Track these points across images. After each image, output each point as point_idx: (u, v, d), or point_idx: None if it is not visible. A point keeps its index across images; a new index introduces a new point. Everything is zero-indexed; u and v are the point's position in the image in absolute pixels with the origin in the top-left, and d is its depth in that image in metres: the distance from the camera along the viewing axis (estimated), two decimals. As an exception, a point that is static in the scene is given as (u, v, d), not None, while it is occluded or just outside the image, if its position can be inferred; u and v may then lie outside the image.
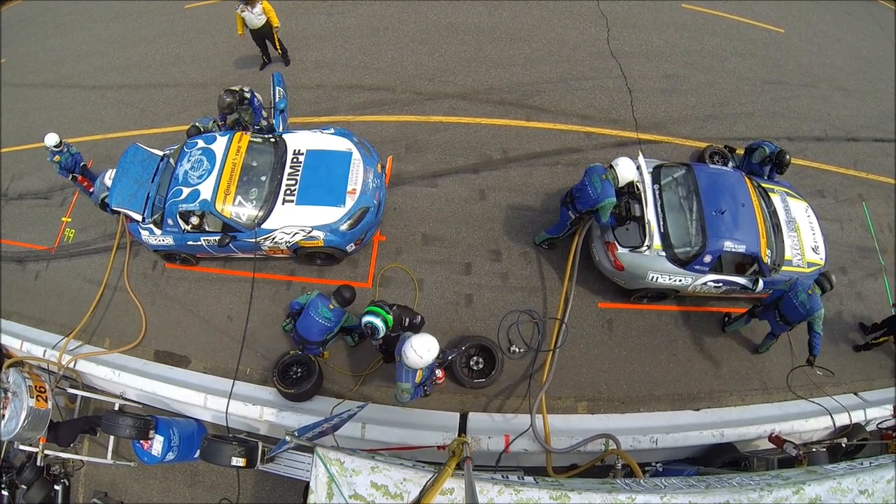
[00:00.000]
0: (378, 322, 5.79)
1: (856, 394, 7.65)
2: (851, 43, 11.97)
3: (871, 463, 4.59)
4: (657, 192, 7.29)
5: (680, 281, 7.09)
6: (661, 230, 7.04)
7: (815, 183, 9.30)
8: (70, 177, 8.49)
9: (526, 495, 3.70)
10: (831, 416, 7.00)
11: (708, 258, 6.86)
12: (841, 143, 9.94)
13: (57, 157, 8.13)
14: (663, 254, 6.95)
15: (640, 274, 7.07)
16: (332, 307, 6.42)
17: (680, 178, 7.42)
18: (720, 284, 7.20)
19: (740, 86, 10.46)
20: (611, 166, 6.73)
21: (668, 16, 11.47)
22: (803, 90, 10.64)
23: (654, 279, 7.08)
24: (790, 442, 6.20)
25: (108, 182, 7.53)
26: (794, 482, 3.97)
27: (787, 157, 7.77)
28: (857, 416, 7.08)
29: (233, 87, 8.10)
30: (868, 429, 7.08)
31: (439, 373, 6.04)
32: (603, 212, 6.66)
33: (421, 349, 5.17)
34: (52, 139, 7.92)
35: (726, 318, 7.78)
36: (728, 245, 6.82)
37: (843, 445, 6.43)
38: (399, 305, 6.30)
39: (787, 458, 5.95)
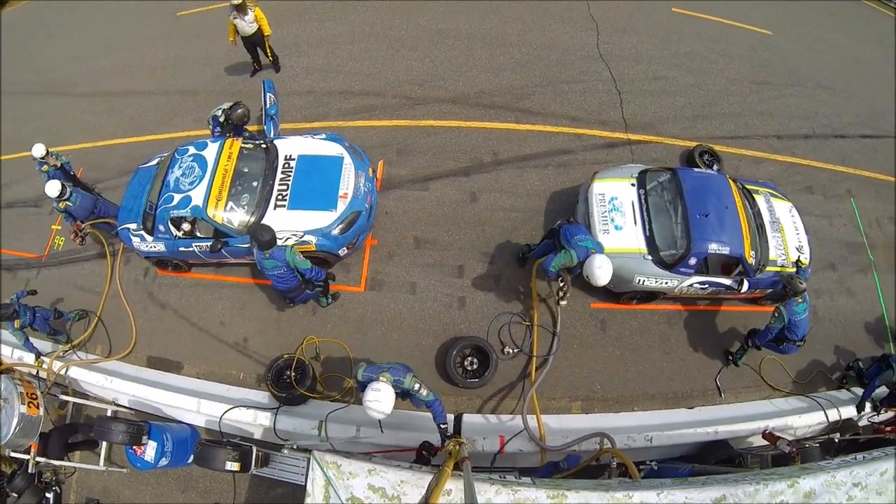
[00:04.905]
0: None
1: (848, 389, 7.67)
2: (837, 43, 12.12)
3: (864, 456, 4.62)
4: (643, 197, 7.37)
5: (666, 283, 7.13)
6: (647, 234, 7.13)
7: (804, 180, 9.37)
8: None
9: (523, 495, 3.70)
10: (824, 412, 7.04)
11: (693, 260, 6.91)
12: (829, 141, 10.03)
13: (45, 167, 8.08)
14: (649, 257, 7.02)
15: (627, 277, 7.10)
16: (266, 256, 6.19)
17: (665, 182, 7.49)
18: (706, 286, 7.23)
19: (729, 86, 10.56)
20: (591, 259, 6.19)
21: (657, 19, 11.59)
22: (791, 90, 10.75)
23: (641, 282, 7.13)
24: (783, 438, 6.22)
25: (49, 192, 7.40)
26: (789, 476, 4.00)
27: None
28: (849, 412, 7.12)
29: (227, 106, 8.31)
30: (860, 424, 7.11)
31: None
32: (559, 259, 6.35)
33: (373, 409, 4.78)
34: (38, 150, 7.82)
35: (730, 357, 7.60)
36: (712, 247, 6.86)
37: (836, 441, 6.46)
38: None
39: (780, 454, 5.97)
